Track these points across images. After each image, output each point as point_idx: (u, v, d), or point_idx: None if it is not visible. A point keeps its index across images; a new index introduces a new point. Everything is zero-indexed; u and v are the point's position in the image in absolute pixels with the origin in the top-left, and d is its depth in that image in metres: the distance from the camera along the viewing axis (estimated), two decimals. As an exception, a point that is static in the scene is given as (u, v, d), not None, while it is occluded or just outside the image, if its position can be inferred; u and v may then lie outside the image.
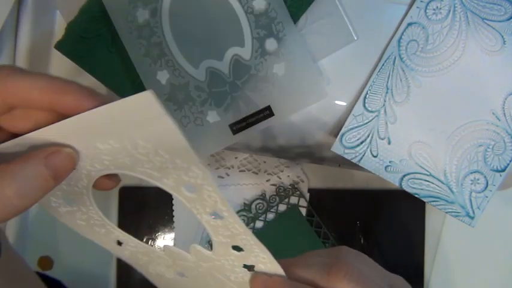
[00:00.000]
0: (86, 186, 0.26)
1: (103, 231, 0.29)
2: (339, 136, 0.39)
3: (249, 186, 0.50)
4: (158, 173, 0.24)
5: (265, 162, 0.51)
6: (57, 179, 0.23)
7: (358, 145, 0.39)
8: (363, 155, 0.39)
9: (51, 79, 0.23)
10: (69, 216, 0.28)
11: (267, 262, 0.27)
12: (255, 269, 0.27)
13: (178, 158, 0.23)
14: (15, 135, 0.24)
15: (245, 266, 0.27)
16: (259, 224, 0.50)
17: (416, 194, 0.40)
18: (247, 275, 0.28)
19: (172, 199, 0.50)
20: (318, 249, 0.29)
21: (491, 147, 0.39)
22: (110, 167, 0.24)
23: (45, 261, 0.51)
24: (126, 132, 0.22)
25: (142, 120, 0.21)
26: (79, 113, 0.22)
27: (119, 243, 0.30)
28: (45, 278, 0.44)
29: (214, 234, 0.26)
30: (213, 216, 0.25)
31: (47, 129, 0.23)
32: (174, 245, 0.48)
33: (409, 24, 0.38)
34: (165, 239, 0.51)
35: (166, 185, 0.24)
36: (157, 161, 0.23)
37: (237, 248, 0.27)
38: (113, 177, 0.26)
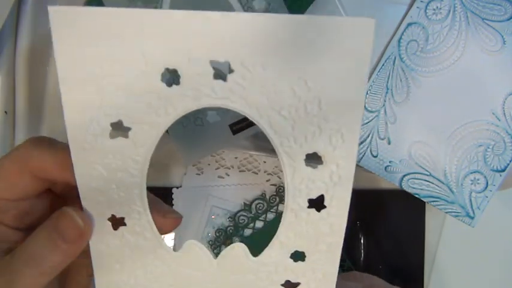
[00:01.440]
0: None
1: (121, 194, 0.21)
2: (339, 136, 0.39)
3: (249, 186, 0.50)
4: (291, 129, 0.19)
5: (265, 162, 0.51)
6: (68, 241, 0.21)
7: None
8: (363, 155, 0.39)
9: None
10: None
11: (322, 281, 0.22)
12: None
13: (335, 113, 0.18)
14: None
15: (285, 284, 0.22)
16: (259, 224, 0.50)
17: (416, 194, 0.40)
18: None
19: (173, 199, 0.50)
20: (345, 274, 0.31)
21: (491, 147, 0.39)
22: (235, 101, 0.18)
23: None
24: (299, 61, 0.17)
25: (336, 50, 0.17)
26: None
27: (116, 222, 0.22)
28: None
29: (286, 230, 0.21)
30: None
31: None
32: (174, 245, 0.48)
33: (409, 24, 0.38)
34: (164, 239, 0.51)
35: (286, 151, 0.19)
36: (303, 110, 0.18)
37: (295, 257, 0.21)
38: (171, 215, 0.24)
